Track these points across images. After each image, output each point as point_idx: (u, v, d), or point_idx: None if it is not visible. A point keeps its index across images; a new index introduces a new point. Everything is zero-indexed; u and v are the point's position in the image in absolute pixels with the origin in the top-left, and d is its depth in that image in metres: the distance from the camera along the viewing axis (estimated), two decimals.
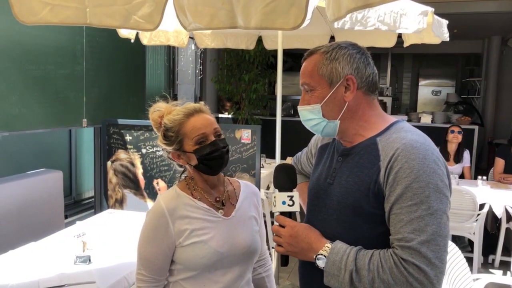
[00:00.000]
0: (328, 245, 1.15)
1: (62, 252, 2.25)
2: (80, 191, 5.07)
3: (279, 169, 1.32)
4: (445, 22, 3.05)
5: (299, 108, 1.27)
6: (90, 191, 5.11)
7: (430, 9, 2.53)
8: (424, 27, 2.47)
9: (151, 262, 1.37)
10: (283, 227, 1.22)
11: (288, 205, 1.24)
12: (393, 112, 9.60)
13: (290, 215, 1.25)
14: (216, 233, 1.38)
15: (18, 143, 4.00)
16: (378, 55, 11.43)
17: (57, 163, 4.53)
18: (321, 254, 1.14)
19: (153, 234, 1.37)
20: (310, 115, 1.24)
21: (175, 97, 6.60)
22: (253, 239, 1.46)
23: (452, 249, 2.32)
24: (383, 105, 9.39)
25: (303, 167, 1.60)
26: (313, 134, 1.50)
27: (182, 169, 1.52)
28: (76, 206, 4.92)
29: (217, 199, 1.45)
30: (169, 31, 3.68)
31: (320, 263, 1.14)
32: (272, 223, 4.13)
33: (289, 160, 5.15)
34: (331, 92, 1.20)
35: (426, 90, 11.45)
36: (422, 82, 11.50)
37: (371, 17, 2.35)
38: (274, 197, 1.26)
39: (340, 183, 1.22)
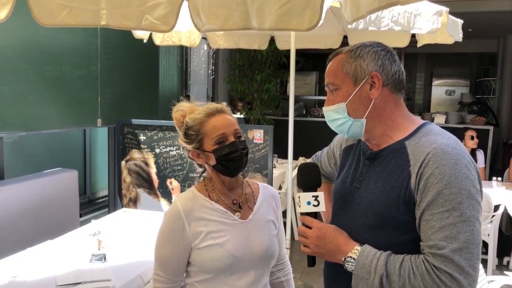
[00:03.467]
0: (357, 247, 1.14)
1: (78, 250, 2.29)
2: (94, 190, 5.13)
3: (304, 168, 1.29)
4: (460, 22, 3.03)
5: (324, 109, 1.25)
6: (104, 190, 5.17)
7: (445, 9, 2.52)
8: (438, 27, 2.45)
9: (167, 263, 1.38)
10: (309, 227, 1.21)
11: (313, 205, 1.22)
12: None
13: (315, 215, 1.24)
14: (232, 236, 1.37)
15: (34, 143, 4.07)
16: None
17: (72, 162, 4.59)
18: (350, 257, 1.13)
19: (169, 235, 1.38)
20: (335, 115, 1.22)
21: (187, 97, 6.63)
22: (270, 243, 1.45)
23: None
24: None
25: (322, 167, 1.57)
26: (330, 135, 1.48)
27: (202, 169, 1.52)
28: (91, 205, 4.98)
29: (235, 201, 1.44)
30: (182, 31, 3.71)
31: (349, 266, 1.13)
32: (285, 223, 4.13)
33: (301, 160, 5.16)
34: (356, 90, 1.18)
35: (440, 90, 11.32)
36: (435, 82, 11.38)
37: (385, 18, 2.34)
38: (299, 197, 1.24)
39: (368, 188, 1.20)
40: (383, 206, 1.14)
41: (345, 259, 1.14)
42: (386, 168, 1.17)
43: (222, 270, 1.35)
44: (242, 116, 7.30)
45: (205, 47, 6.59)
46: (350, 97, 1.19)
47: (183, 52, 6.35)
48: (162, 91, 5.45)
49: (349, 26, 2.30)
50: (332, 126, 1.25)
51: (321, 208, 1.23)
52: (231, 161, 1.37)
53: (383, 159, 1.19)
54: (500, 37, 9.05)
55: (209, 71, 7.07)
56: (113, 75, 4.21)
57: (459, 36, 2.95)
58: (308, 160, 1.65)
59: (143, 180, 3.79)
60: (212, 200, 1.42)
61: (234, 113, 7.55)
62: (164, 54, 5.79)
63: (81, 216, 4.46)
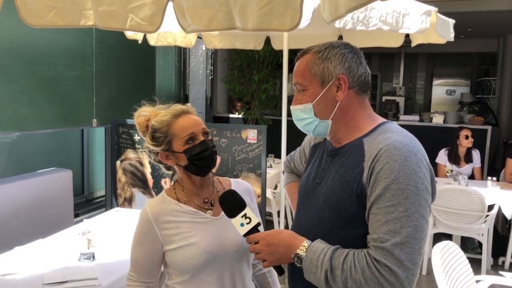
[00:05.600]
0: (304, 243, 1.16)
1: (67, 248, 2.30)
2: (92, 190, 5.16)
3: (222, 201, 1.32)
4: (451, 21, 3.03)
5: (292, 107, 1.28)
6: (101, 190, 5.20)
7: (434, 9, 2.52)
8: (427, 27, 2.46)
9: (139, 264, 1.41)
10: (257, 242, 1.22)
11: (247, 223, 1.25)
12: (406, 112, 9.49)
13: (257, 229, 1.26)
14: (204, 234, 1.38)
15: (32, 143, 4.10)
16: (391, 54, 11.34)
17: (70, 162, 4.62)
18: (297, 253, 1.15)
19: (140, 238, 1.40)
20: (302, 115, 1.25)
21: (186, 98, 6.65)
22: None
23: (454, 250, 2.32)
24: (396, 105, 9.31)
25: (295, 166, 1.61)
26: None
27: (170, 172, 1.52)
28: (88, 204, 5.01)
29: (206, 200, 1.45)
30: (176, 32, 3.72)
31: (298, 262, 1.15)
32: (279, 223, 4.12)
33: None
34: (323, 92, 1.21)
35: (440, 89, 11.31)
36: (436, 82, 11.36)
37: (373, 17, 2.35)
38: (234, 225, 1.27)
39: (327, 183, 1.23)
40: (338, 200, 1.17)
41: (294, 256, 1.16)
42: (344, 164, 1.20)
43: (199, 268, 1.36)
44: (240, 116, 7.31)
45: (203, 48, 6.61)
46: (317, 98, 1.22)
47: (181, 52, 6.37)
48: (159, 91, 5.47)
49: (337, 26, 2.30)
50: (299, 125, 1.28)
51: (255, 220, 1.25)
52: (202, 159, 1.38)
53: (343, 155, 1.23)
54: (500, 37, 9.03)
55: (208, 71, 7.09)
56: (109, 75, 4.23)
57: (450, 36, 2.96)
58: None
59: (138, 180, 3.81)
60: (181, 202, 1.42)
61: (233, 113, 7.57)
62: (162, 54, 5.81)
63: (78, 215, 4.49)
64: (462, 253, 2.35)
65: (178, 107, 1.43)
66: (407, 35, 3.65)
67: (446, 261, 2.22)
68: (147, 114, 1.47)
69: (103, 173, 4.96)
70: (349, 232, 1.16)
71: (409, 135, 1.18)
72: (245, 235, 1.25)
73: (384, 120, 1.26)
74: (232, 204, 1.30)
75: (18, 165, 3.92)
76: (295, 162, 1.62)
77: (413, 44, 3.61)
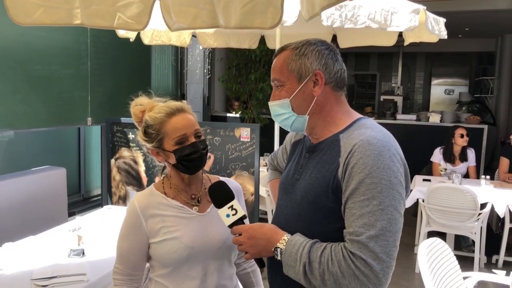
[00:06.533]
0: (285, 237, 1.18)
1: (58, 245, 2.32)
2: (89, 188, 5.18)
3: (211, 191, 1.34)
4: (442, 20, 3.04)
5: (270, 103, 1.30)
6: (98, 189, 5.22)
7: (422, 7, 2.54)
8: (415, 25, 2.47)
9: (125, 256, 1.43)
10: (241, 234, 1.24)
11: (232, 214, 1.27)
12: (404, 112, 9.50)
13: (242, 221, 1.28)
14: (188, 229, 1.41)
15: (28, 142, 4.12)
16: (390, 54, 11.35)
17: (67, 161, 4.64)
18: (277, 247, 1.17)
19: (128, 231, 1.43)
20: (280, 110, 1.27)
21: (183, 97, 6.67)
22: (230, 235, 1.49)
23: (442, 247, 2.33)
24: (394, 104, 9.32)
25: (278, 163, 1.64)
26: None
27: (162, 164, 1.55)
28: (85, 203, 5.03)
29: (193, 196, 1.48)
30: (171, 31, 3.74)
31: (278, 255, 1.17)
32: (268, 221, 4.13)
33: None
34: (300, 87, 1.23)
35: (439, 89, 11.32)
36: (434, 81, 11.37)
37: (361, 15, 2.37)
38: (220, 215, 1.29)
39: (305, 179, 1.25)
40: (315, 195, 1.20)
41: (274, 249, 1.18)
42: (321, 159, 1.23)
43: (180, 262, 1.38)
44: (237, 115, 7.33)
45: (200, 47, 6.62)
46: (294, 94, 1.24)
47: (178, 51, 6.38)
48: (155, 90, 5.46)
49: (325, 24, 2.32)
50: (277, 120, 1.30)
51: (241, 213, 1.27)
52: (191, 161, 1.40)
53: (320, 151, 1.25)
54: (498, 36, 9.03)
55: (205, 71, 7.11)
56: (104, 74, 4.25)
57: (441, 34, 2.97)
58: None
59: (132, 178, 3.83)
60: (169, 197, 1.45)
61: (230, 112, 7.59)
62: (158, 54, 5.83)
63: (75, 213, 4.51)
64: (449, 249, 2.37)
65: (173, 104, 1.44)
66: (400, 35, 3.68)
67: (433, 257, 2.23)
68: (144, 106, 1.48)
69: (99, 172, 4.98)
70: (326, 226, 1.18)
71: (384, 131, 1.20)
72: (230, 226, 1.27)
73: (360, 116, 1.29)
74: (220, 194, 1.32)
75: (15, 163, 3.94)
76: (277, 160, 1.65)
77: (406, 43, 3.63)
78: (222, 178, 1.58)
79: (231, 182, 1.61)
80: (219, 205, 1.30)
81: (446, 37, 3.10)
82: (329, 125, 1.26)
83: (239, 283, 1.61)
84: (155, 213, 1.41)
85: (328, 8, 1.29)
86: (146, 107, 1.48)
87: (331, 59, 1.24)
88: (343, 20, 2.34)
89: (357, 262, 1.05)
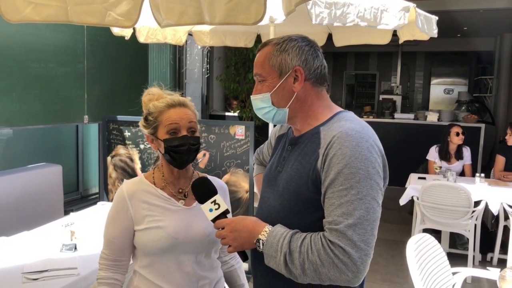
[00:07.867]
0: (266, 229, 1.20)
1: (51, 240, 2.36)
2: (87, 186, 5.21)
3: (194, 186, 1.36)
4: (434, 18, 3.06)
5: (252, 97, 1.33)
6: (96, 187, 5.25)
7: (412, 5, 2.55)
8: (405, 22, 2.49)
9: (111, 242, 1.47)
10: (223, 228, 1.26)
11: (215, 209, 1.29)
12: (404, 111, 9.50)
13: (225, 216, 1.30)
14: (173, 220, 1.44)
15: (26, 139, 4.16)
16: (389, 53, 11.36)
17: (65, 159, 4.67)
18: (259, 239, 1.19)
19: (114, 216, 1.47)
20: (261, 104, 1.30)
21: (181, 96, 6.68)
22: (213, 230, 1.50)
23: (430, 242, 2.35)
24: (393, 103, 9.32)
25: (264, 158, 1.67)
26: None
27: (158, 160, 1.59)
28: (83, 201, 5.06)
29: (180, 190, 1.51)
30: (166, 29, 3.77)
31: (260, 246, 1.19)
32: None
33: None
34: (281, 82, 1.26)
35: (439, 88, 11.31)
36: (434, 81, 11.37)
37: (351, 13, 2.38)
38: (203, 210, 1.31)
39: (287, 171, 1.28)
40: (296, 186, 1.22)
41: (256, 241, 1.20)
42: (302, 151, 1.26)
43: (162, 251, 1.41)
44: (236, 114, 7.35)
45: (198, 46, 6.64)
46: (275, 88, 1.27)
47: (176, 50, 6.40)
48: None
49: (314, 22, 2.34)
50: (259, 114, 1.33)
51: (224, 207, 1.29)
52: (178, 153, 1.43)
53: (301, 143, 1.28)
54: (497, 36, 9.03)
55: (204, 70, 7.13)
56: (101, 72, 4.28)
57: (432, 32, 2.98)
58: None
59: (128, 176, 3.86)
60: (157, 187, 1.48)
61: (229, 111, 7.61)
62: (156, 53, 5.85)
63: (73, 211, 4.54)
64: (439, 245, 2.38)
65: (177, 98, 1.49)
66: (395, 34, 3.70)
67: (421, 253, 2.25)
68: (153, 95, 1.53)
69: (97, 170, 5.01)
70: (306, 217, 1.20)
71: (363, 123, 1.23)
72: (213, 221, 1.29)
73: (341, 109, 1.31)
74: (203, 189, 1.34)
75: (12, 161, 3.98)
76: (263, 154, 1.68)
77: (400, 41, 3.64)
78: (209, 176, 1.61)
79: (217, 180, 1.63)
80: (202, 200, 1.32)
81: (436, 35, 3.11)
82: (310, 118, 1.29)
83: (222, 277, 1.63)
84: (142, 198, 1.45)
85: (302, 3, 1.31)
86: (155, 96, 1.53)
87: (311, 55, 1.26)
88: (332, 18, 2.36)
89: (335, 250, 1.07)
